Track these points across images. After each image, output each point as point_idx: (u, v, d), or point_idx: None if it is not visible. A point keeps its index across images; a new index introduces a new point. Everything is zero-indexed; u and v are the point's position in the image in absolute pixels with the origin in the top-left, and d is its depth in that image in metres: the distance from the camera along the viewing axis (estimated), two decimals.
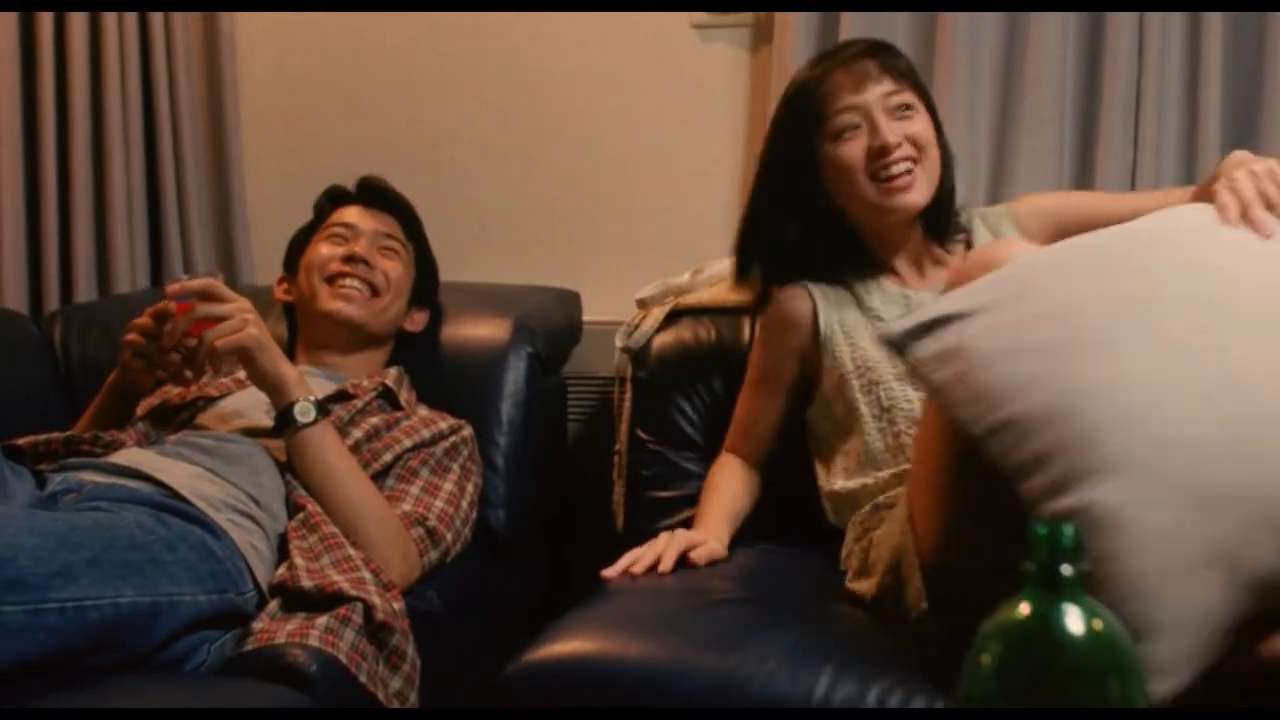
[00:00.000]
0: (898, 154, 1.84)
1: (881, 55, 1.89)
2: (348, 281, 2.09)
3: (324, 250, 2.13)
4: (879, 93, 1.86)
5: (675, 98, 2.62)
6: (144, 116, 2.64)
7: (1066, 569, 0.78)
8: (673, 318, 2.24)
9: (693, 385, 2.17)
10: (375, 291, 2.11)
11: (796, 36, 2.43)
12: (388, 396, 2.06)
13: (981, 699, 0.77)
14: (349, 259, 2.10)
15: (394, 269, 2.15)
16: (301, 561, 1.68)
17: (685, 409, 2.16)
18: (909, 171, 1.85)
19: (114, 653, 1.46)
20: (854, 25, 2.40)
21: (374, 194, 2.21)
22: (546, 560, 2.27)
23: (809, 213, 1.93)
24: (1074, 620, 0.78)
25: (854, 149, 1.85)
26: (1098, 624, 0.77)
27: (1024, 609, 0.79)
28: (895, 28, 2.41)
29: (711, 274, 2.32)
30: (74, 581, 1.39)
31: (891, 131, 1.84)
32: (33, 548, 1.36)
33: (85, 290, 2.62)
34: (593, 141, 2.66)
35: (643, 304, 2.29)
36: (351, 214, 2.18)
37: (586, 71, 2.65)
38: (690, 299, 2.26)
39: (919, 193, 1.87)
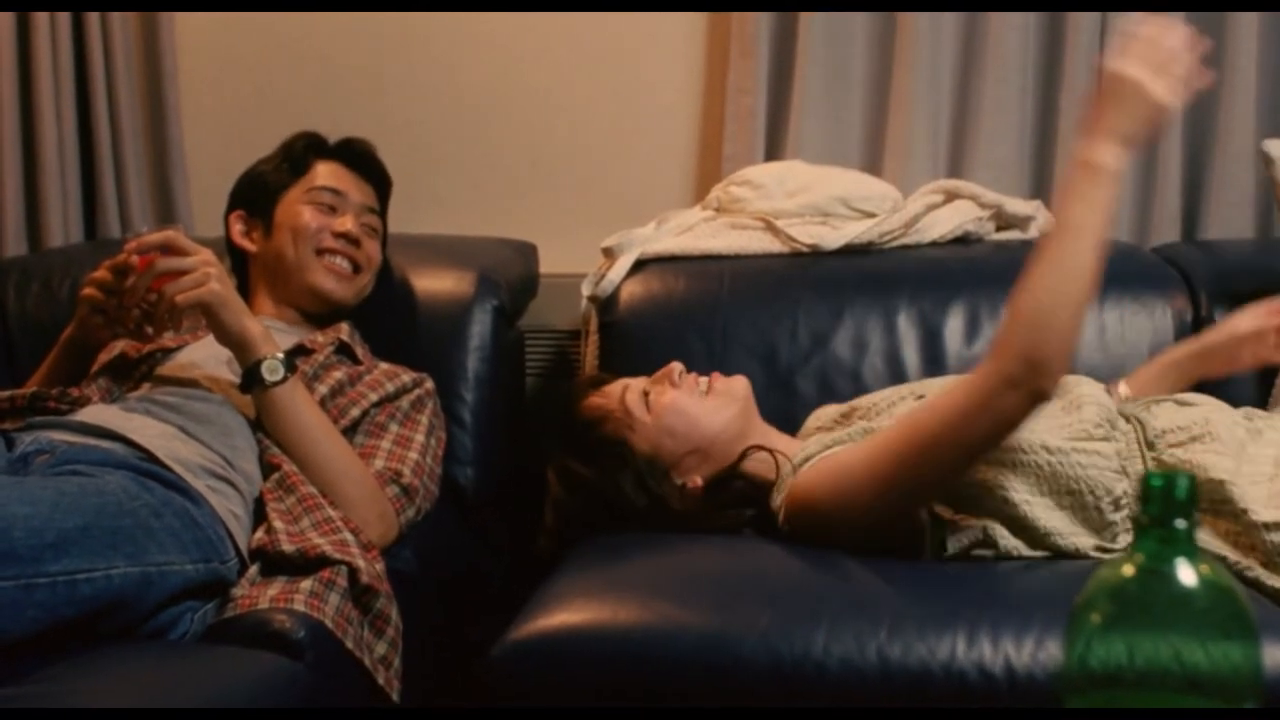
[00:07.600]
0: None
1: None
2: (339, 260, 2.01)
3: (312, 217, 2.01)
4: None
5: (630, 48, 2.57)
6: (75, 60, 2.51)
7: (1181, 522, 0.75)
8: (638, 266, 2.21)
9: (661, 331, 2.13)
10: (357, 268, 2.04)
11: None
12: (345, 351, 1.99)
13: (1095, 656, 0.74)
14: (342, 236, 2.01)
15: (375, 250, 2.08)
16: (280, 525, 1.62)
17: (653, 354, 2.11)
18: None
19: (103, 625, 1.39)
20: (813, 24, 2.37)
21: (361, 160, 2.11)
22: (517, 518, 2.23)
23: None
24: (1190, 574, 0.76)
25: None
26: (1213, 577, 0.75)
27: (1132, 565, 0.77)
28: (853, 26, 2.40)
29: (676, 223, 2.29)
30: (66, 554, 1.31)
31: None
32: (25, 517, 1.29)
33: (15, 244, 2.51)
34: (546, 91, 2.60)
35: (608, 253, 2.25)
36: (338, 177, 2.06)
37: (540, 20, 2.57)
38: (657, 247, 2.23)
39: None
